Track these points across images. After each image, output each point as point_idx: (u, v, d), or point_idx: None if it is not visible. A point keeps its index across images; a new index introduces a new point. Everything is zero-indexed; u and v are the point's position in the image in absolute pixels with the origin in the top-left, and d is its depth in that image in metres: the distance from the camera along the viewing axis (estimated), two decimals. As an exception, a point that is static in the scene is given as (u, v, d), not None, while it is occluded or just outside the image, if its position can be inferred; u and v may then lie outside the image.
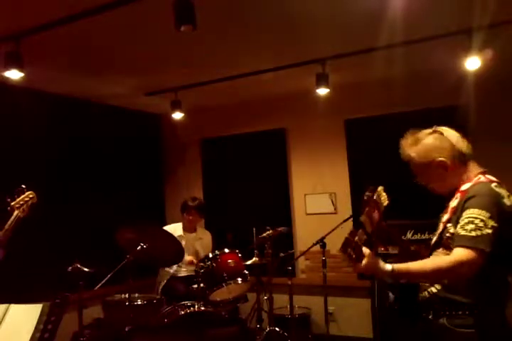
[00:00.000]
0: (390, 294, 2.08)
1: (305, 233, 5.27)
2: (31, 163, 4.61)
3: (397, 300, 2.06)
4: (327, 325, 4.32)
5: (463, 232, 1.78)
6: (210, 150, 6.03)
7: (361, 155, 5.10)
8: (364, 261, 1.76)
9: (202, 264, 3.86)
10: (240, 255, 3.99)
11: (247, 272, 3.90)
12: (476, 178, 1.96)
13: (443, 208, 2.06)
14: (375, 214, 1.96)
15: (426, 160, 2.02)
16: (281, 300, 4.53)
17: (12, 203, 2.77)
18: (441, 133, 2.06)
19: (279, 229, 4.16)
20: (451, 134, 2.07)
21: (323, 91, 4.39)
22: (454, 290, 1.87)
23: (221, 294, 3.84)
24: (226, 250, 3.98)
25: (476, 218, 1.78)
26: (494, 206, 1.82)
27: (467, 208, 1.83)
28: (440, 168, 2.00)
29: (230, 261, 3.89)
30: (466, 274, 1.75)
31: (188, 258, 4.34)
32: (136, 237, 3.69)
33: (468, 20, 3.36)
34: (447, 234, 1.91)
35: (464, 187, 1.95)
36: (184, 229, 4.66)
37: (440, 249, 1.95)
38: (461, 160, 2.01)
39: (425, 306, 1.97)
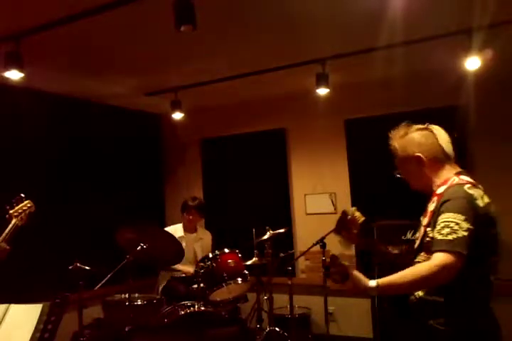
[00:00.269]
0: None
1: (305, 233, 5.27)
2: (31, 163, 4.61)
3: (390, 304, 2.14)
4: (327, 325, 4.32)
5: (440, 237, 1.81)
6: (210, 150, 6.03)
7: (361, 155, 5.09)
8: (349, 283, 1.80)
9: (202, 264, 3.86)
10: (239, 255, 3.99)
11: (247, 272, 3.90)
12: (450, 180, 1.98)
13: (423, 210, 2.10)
14: (353, 234, 2.22)
15: (405, 154, 2.07)
16: (281, 300, 4.53)
17: (10, 211, 2.77)
18: (431, 131, 2.08)
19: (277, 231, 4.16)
20: (440, 133, 2.08)
21: (323, 91, 4.39)
22: (437, 293, 1.90)
23: (221, 294, 3.83)
24: (226, 250, 3.97)
25: (451, 222, 1.81)
26: (468, 208, 1.85)
27: (442, 212, 1.86)
28: (416, 162, 2.04)
29: (230, 261, 3.89)
30: (446, 278, 1.77)
31: (187, 270, 4.32)
32: (136, 237, 3.69)
33: (468, 20, 3.36)
34: (427, 239, 1.93)
35: (440, 190, 1.98)
36: (185, 229, 4.66)
37: (422, 253, 1.98)
38: (439, 160, 2.04)
39: (414, 309, 2.01)
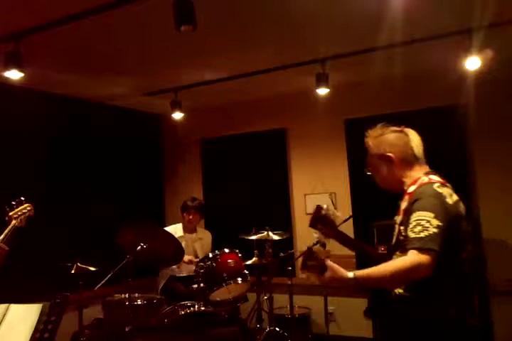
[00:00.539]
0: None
1: (305, 233, 5.27)
2: (31, 162, 4.61)
3: (372, 302, 2.16)
4: (327, 325, 4.33)
5: (413, 235, 1.87)
6: (210, 150, 6.03)
7: (361, 155, 5.08)
8: (327, 274, 1.81)
9: (202, 264, 3.86)
10: (240, 255, 3.99)
11: (247, 272, 3.90)
12: (420, 180, 2.07)
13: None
14: (329, 229, 2.29)
15: (378, 152, 2.17)
16: (281, 300, 4.53)
17: (10, 213, 2.79)
18: (405, 134, 2.18)
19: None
20: (413, 136, 2.18)
21: (323, 91, 4.39)
22: (415, 289, 1.97)
23: (221, 294, 3.84)
24: (226, 250, 3.98)
25: (422, 220, 1.88)
26: (438, 206, 1.92)
27: (414, 211, 1.93)
28: (387, 161, 2.14)
29: (230, 261, 3.89)
30: (422, 274, 1.82)
31: (186, 257, 4.33)
32: (136, 237, 3.69)
33: (468, 20, 3.36)
34: (401, 237, 2.01)
35: (411, 189, 2.07)
36: (184, 229, 4.67)
37: (398, 252, 2.03)
38: (409, 161, 2.13)
39: (395, 306, 2.06)
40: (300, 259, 1.98)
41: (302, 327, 4.80)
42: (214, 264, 3.84)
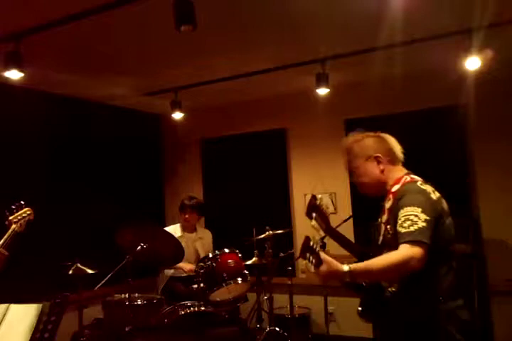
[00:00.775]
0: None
1: (305, 233, 5.25)
2: (31, 163, 4.61)
3: (365, 302, 2.22)
4: (327, 325, 4.33)
5: (403, 230, 1.93)
6: (210, 150, 6.03)
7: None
8: (323, 267, 1.82)
9: (202, 264, 3.86)
10: (240, 255, 3.99)
11: (247, 272, 3.90)
12: (403, 179, 2.17)
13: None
14: (321, 221, 2.32)
15: (365, 155, 2.24)
16: (281, 300, 4.53)
17: (10, 217, 2.77)
18: (383, 138, 2.28)
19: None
20: (390, 140, 2.28)
21: (323, 91, 4.39)
22: (409, 286, 2.03)
23: (221, 294, 3.83)
24: (226, 250, 3.98)
25: (411, 214, 1.95)
26: (423, 201, 2.00)
27: (401, 207, 2.00)
28: (375, 162, 2.22)
29: (230, 261, 3.89)
30: (415, 267, 1.86)
31: (188, 267, 4.33)
32: (136, 237, 3.69)
33: (468, 20, 3.36)
34: (388, 235, 2.08)
35: (394, 188, 2.16)
36: (184, 229, 4.67)
37: (385, 250, 2.07)
38: (393, 161, 2.24)
39: (390, 304, 2.10)
40: (301, 259, 1.99)
41: (302, 327, 4.80)
42: (214, 264, 3.84)
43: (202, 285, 3.77)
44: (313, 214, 2.32)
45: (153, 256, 3.80)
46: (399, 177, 2.19)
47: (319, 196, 2.38)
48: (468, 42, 3.63)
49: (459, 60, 3.82)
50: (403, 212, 1.97)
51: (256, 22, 3.44)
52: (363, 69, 4.57)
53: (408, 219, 1.93)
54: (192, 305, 3.69)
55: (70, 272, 3.65)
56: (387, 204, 2.16)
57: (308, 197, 5.61)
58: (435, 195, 2.07)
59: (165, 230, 4.20)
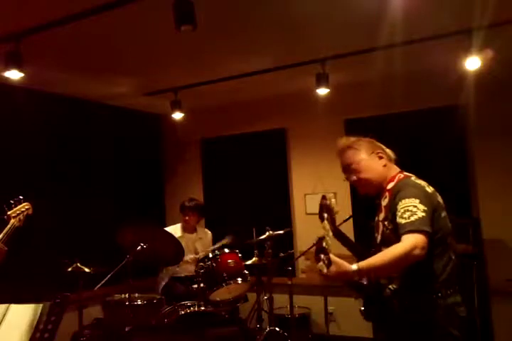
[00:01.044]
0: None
1: (305, 233, 5.27)
2: (31, 162, 4.61)
3: (365, 301, 2.23)
4: (327, 325, 4.33)
5: (403, 221, 1.97)
6: (210, 150, 6.03)
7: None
8: (333, 268, 1.83)
9: (202, 264, 3.86)
10: (240, 255, 3.99)
11: (247, 272, 3.90)
12: (397, 176, 2.24)
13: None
14: (331, 220, 2.32)
15: (367, 150, 2.29)
16: (281, 300, 4.53)
17: (9, 212, 2.77)
18: (372, 140, 2.37)
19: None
20: (378, 143, 2.37)
21: (323, 91, 4.39)
22: (406, 282, 2.06)
23: (221, 294, 3.83)
24: (226, 250, 3.98)
25: (409, 205, 2.00)
26: (419, 193, 2.06)
27: (399, 201, 2.05)
28: (378, 159, 2.28)
29: (230, 261, 3.89)
30: (420, 255, 1.89)
31: (189, 257, 4.34)
32: (136, 237, 3.69)
33: (468, 20, 3.36)
34: (387, 232, 2.11)
35: (390, 185, 2.21)
36: (184, 229, 4.67)
37: (385, 247, 2.08)
38: (390, 159, 2.32)
39: (390, 302, 2.11)
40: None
41: (302, 327, 4.80)
42: (214, 264, 3.84)
43: (202, 285, 3.77)
44: (325, 215, 2.32)
45: (153, 256, 3.80)
46: (393, 175, 2.25)
47: (329, 195, 2.35)
48: (468, 42, 3.63)
49: (459, 60, 3.82)
50: (401, 204, 2.02)
51: (256, 22, 3.44)
52: (363, 69, 4.57)
53: (407, 210, 1.97)
54: (192, 305, 3.69)
55: (70, 271, 3.65)
56: (384, 202, 2.20)
57: (308, 197, 5.63)
58: (430, 189, 2.13)
59: (165, 230, 4.20)
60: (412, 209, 1.97)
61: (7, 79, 3.61)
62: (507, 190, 4.45)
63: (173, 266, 4.42)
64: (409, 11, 3.17)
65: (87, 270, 3.71)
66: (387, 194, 2.19)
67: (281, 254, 4.24)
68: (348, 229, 4.45)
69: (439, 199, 2.14)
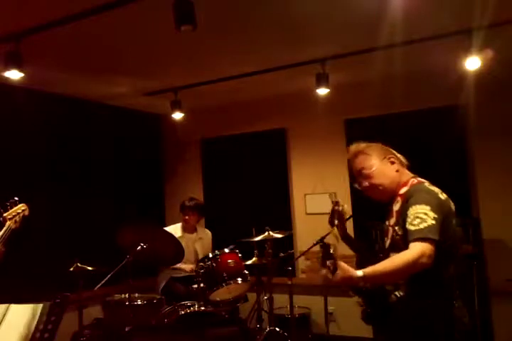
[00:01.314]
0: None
1: (305, 233, 5.27)
2: (31, 162, 4.61)
3: (368, 306, 2.20)
4: (327, 325, 4.32)
5: (413, 227, 1.95)
6: (210, 150, 6.03)
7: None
8: (339, 274, 1.83)
9: (202, 264, 3.86)
10: (240, 255, 3.99)
11: (247, 272, 3.90)
12: (410, 181, 2.20)
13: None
14: (341, 226, 2.34)
15: (379, 156, 2.26)
16: (281, 300, 4.53)
17: (4, 214, 2.74)
18: (384, 145, 2.33)
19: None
20: (389, 148, 2.33)
21: (323, 91, 4.39)
22: (413, 289, 2.04)
23: (221, 294, 3.83)
24: (226, 250, 3.98)
25: (420, 212, 1.97)
26: (432, 200, 2.03)
27: (410, 206, 2.03)
28: (388, 163, 2.25)
29: (230, 261, 3.89)
30: (426, 263, 1.88)
31: (188, 268, 4.34)
32: (136, 237, 3.69)
33: (468, 20, 3.36)
34: (397, 237, 2.10)
35: (402, 190, 2.18)
36: (184, 229, 4.67)
37: (395, 252, 2.06)
38: (402, 164, 2.29)
39: (395, 308, 2.09)
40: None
41: (302, 327, 4.80)
42: (214, 264, 3.84)
43: (202, 285, 3.77)
44: (336, 222, 2.33)
45: (153, 256, 3.80)
46: (406, 180, 2.22)
47: (339, 201, 2.37)
48: (468, 42, 3.63)
49: (459, 60, 3.82)
50: (412, 211, 2.00)
51: (256, 22, 3.44)
52: (363, 69, 4.57)
53: (417, 217, 1.95)
54: (192, 305, 3.69)
55: (70, 271, 3.65)
56: (395, 207, 2.18)
57: (308, 197, 5.64)
58: (443, 196, 2.10)
59: (165, 230, 4.20)
60: (422, 216, 1.95)
61: (7, 79, 3.61)
62: (507, 190, 4.45)
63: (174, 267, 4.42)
64: (409, 11, 3.17)
65: (87, 269, 3.71)
66: (399, 199, 2.18)
67: (281, 254, 4.24)
68: (348, 229, 4.46)
69: (452, 206, 2.11)
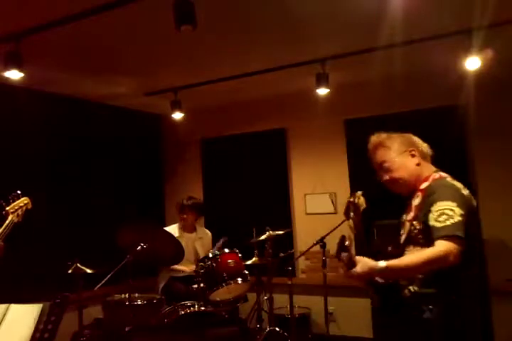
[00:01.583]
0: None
1: (305, 233, 5.27)
2: (31, 162, 4.61)
3: (381, 300, 2.14)
4: (327, 325, 4.32)
5: (439, 224, 1.92)
6: (210, 150, 6.03)
7: (361, 155, 5.08)
8: (358, 268, 1.83)
9: (202, 264, 3.86)
10: (240, 255, 3.99)
11: (247, 272, 3.90)
12: (432, 176, 2.16)
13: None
14: (356, 218, 2.24)
15: (398, 149, 2.23)
16: (281, 300, 4.53)
17: (7, 208, 2.74)
18: (410, 136, 2.32)
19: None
20: (415, 138, 2.31)
21: (323, 91, 4.39)
22: (431, 285, 2.00)
23: (221, 294, 3.83)
24: (226, 250, 3.97)
25: (446, 209, 1.93)
26: (457, 196, 1.99)
27: (434, 203, 1.98)
28: (409, 156, 2.21)
29: (230, 261, 3.89)
30: (453, 262, 1.86)
31: (188, 269, 4.35)
32: (136, 237, 3.69)
33: (468, 20, 3.36)
34: (415, 231, 2.05)
35: (423, 185, 2.14)
36: (183, 229, 4.67)
37: (411, 247, 2.07)
38: (424, 156, 2.25)
39: (409, 303, 2.07)
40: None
41: (302, 327, 4.80)
42: (214, 264, 3.84)
43: (202, 285, 3.77)
44: (351, 214, 2.28)
45: (153, 256, 3.80)
46: (427, 174, 2.18)
47: (359, 192, 2.28)
48: (468, 42, 3.63)
49: (459, 60, 3.82)
50: (437, 207, 1.95)
51: (256, 22, 3.45)
52: (363, 69, 4.56)
53: (443, 213, 1.91)
54: (192, 305, 3.69)
55: (70, 272, 3.65)
56: (415, 202, 2.14)
57: (308, 197, 5.64)
58: (465, 192, 2.07)
59: (165, 230, 4.20)
60: (448, 212, 1.91)
61: (7, 79, 3.61)
62: (507, 190, 4.45)
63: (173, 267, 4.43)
64: (409, 11, 3.17)
65: (87, 270, 3.71)
66: (419, 193, 2.13)
67: (281, 254, 4.24)
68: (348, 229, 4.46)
69: (473, 202, 2.08)
